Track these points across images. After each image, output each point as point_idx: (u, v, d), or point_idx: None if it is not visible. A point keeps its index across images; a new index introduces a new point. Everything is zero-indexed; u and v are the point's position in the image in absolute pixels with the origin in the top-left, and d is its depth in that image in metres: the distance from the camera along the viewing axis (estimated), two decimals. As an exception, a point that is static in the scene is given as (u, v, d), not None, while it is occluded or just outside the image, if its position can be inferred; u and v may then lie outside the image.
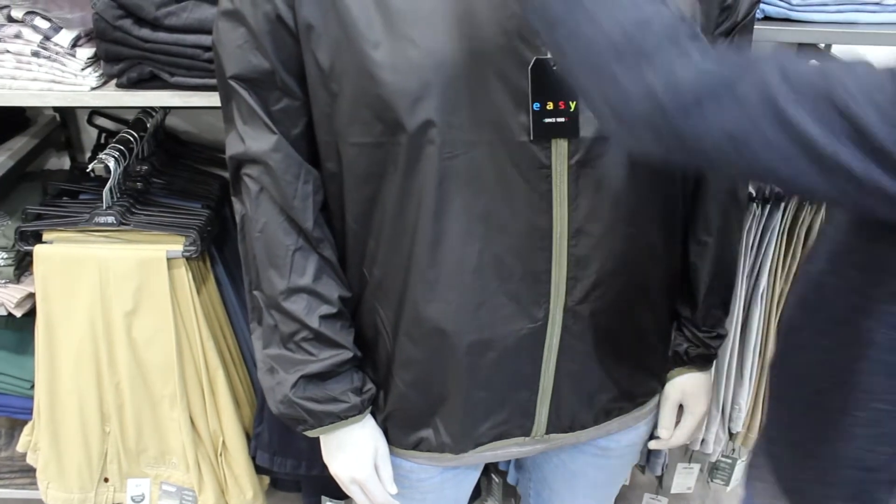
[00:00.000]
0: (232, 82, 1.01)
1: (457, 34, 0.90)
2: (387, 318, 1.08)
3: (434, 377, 1.08)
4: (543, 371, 1.08)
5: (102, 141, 1.97)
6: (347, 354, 1.08)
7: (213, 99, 1.52)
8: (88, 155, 1.99)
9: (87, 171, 1.71)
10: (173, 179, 1.84)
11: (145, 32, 1.47)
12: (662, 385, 1.27)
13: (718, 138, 0.69)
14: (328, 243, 1.07)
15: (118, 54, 1.50)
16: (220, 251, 1.78)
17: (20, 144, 1.89)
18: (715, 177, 1.16)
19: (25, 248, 1.66)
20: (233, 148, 1.05)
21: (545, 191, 0.97)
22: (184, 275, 1.62)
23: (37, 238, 1.69)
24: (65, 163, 2.11)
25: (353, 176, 1.00)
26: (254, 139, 1.02)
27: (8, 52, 1.55)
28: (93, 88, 1.55)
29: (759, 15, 1.53)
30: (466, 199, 0.96)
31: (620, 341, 1.13)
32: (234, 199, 1.09)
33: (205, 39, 1.47)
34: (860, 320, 0.81)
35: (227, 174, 1.90)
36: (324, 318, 1.05)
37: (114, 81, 1.55)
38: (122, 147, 1.70)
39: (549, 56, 0.92)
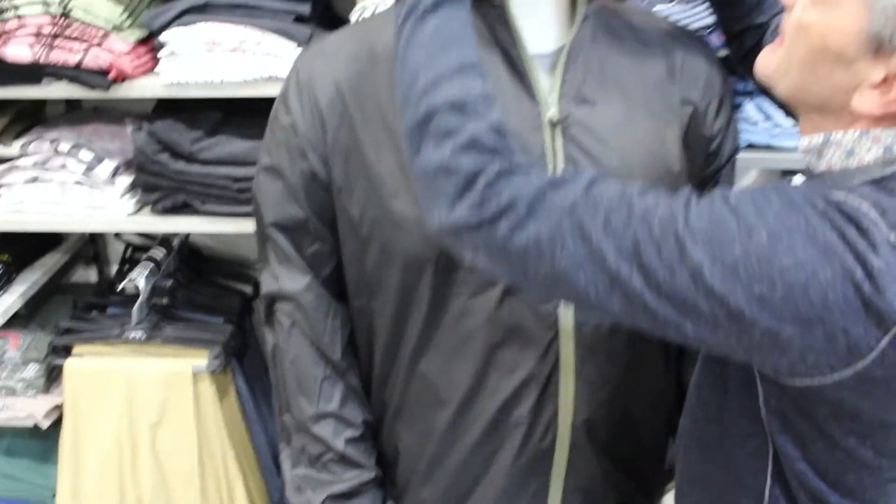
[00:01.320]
0: (269, 229, 1.12)
1: None
2: (406, 440, 1.16)
3: (451, 492, 1.15)
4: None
5: (129, 254, 2.08)
6: (370, 475, 1.16)
7: (240, 225, 1.65)
8: (115, 268, 2.10)
9: (119, 289, 1.81)
10: (197, 294, 1.95)
11: (181, 165, 1.60)
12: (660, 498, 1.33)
13: (524, 245, 0.78)
14: (354, 371, 1.16)
15: (155, 185, 1.63)
16: (240, 364, 1.87)
17: (53, 261, 2.00)
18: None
19: (57, 361, 1.75)
20: (267, 285, 1.15)
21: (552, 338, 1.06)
22: (208, 388, 1.71)
23: (67, 351, 1.78)
24: (91, 275, 2.22)
25: (381, 315, 1.10)
26: (288, 279, 1.12)
27: (53, 181, 1.68)
28: (130, 214, 1.68)
29: (742, 143, 1.65)
30: (484, 337, 1.05)
31: (619, 457, 1.19)
32: (265, 329, 1.19)
33: (234, 171, 1.60)
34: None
35: (247, 288, 2.03)
36: (349, 441, 1.14)
37: (149, 207, 1.67)
38: (150, 265, 1.81)
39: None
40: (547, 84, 1.03)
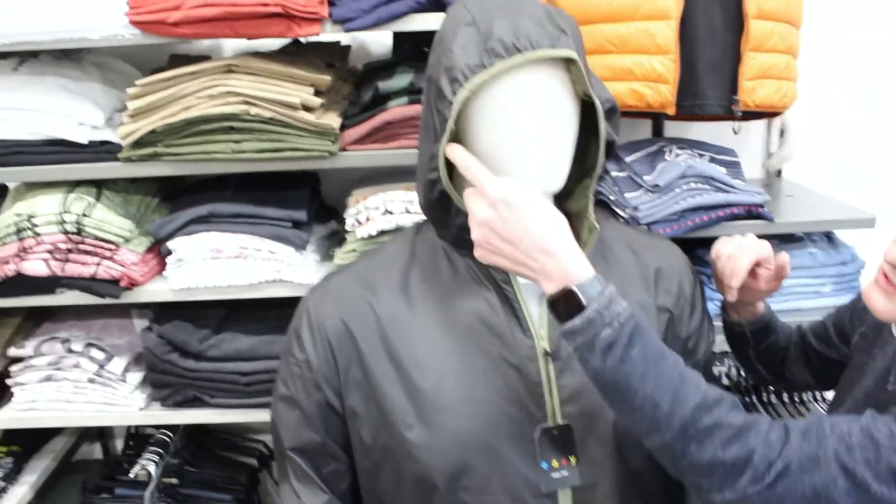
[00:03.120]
0: (288, 452, 1.21)
1: (479, 417, 1.12)
2: None
3: None
4: None
5: (135, 430, 2.15)
6: None
7: (249, 416, 1.73)
8: (121, 445, 2.16)
9: (131, 477, 1.87)
10: (203, 471, 2.01)
11: (190, 363, 1.69)
12: None
13: (805, 494, 0.94)
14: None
15: (166, 382, 1.72)
16: (249, 540, 1.92)
17: (60, 445, 2.06)
18: None
19: (71, 551, 1.79)
20: (288, 500, 1.23)
21: None
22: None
23: (78, 540, 1.83)
24: (96, 450, 2.27)
25: None
26: (307, 496, 1.21)
27: (66, 379, 1.76)
28: (141, 409, 1.76)
29: (714, 311, 1.77)
30: None
31: None
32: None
33: (242, 366, 1.70)
34: None
35: (252, 461, 2.09)
36: None
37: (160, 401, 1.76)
38: (160, 450, 1.88)
39: (551, 425, 1.13)
40: (537, 315, 1.14)
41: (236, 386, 1.70)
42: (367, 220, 1.64)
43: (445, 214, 1.12)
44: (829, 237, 1.88)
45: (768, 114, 1.77)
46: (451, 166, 1.11)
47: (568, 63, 1.06)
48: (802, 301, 1.83)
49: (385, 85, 1.60)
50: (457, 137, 1.08)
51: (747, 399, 2.01)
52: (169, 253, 1.67)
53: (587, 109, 1.12)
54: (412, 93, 1.60)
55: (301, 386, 1.19)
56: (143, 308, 1.87)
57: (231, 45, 2.01)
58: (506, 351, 1.12)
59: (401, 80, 1.60)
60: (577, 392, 1.13)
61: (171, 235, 1.66)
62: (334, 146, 1.59)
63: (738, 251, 1.29)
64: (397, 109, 1.59)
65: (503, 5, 1.06)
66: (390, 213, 1.64)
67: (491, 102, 1.05)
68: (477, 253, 1.03)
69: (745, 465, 0.95)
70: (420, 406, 1.12)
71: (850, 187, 2.02)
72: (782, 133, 2.06)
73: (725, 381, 1.99)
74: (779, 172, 2.13)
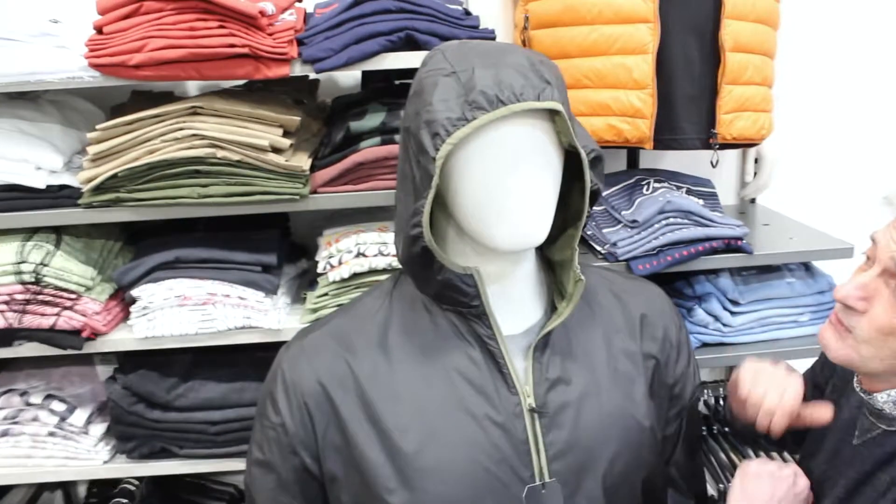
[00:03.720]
0: (265, 521, 1.15)
1: (464, 480, 1.07)
2: None
3: None
4: None
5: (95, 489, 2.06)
6: None
7: (219, 465, 1.67)
8: (83, 493, 2.08)
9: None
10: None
11: (157, 414, 1.62)
12: None
13: None
14: None
15: (132, 434, 1.65)
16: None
17: (18, 497, 1.98)
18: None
19: None
20: None
21: None
22: None
23: None
24: (57, 498, 2.18)
25: None
26: None
27: (24, 433, 1.68)
28: (105, 462, 1.68)
29: (696, 343, 1.76)
30: None
31: None
32: None
33: (211, 415, 1.63)
34: None
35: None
36: None
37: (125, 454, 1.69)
38: (124, 500, 1.81)
39: (538, 483, 1.09)
40: (522, 370, 1.10)
41: (206, 436, 1.64)
42: (340, 263, 1.59)
43: (426, 270, 1.08)
44: (806, 266, 1.87)
45: (745, 144, 1.76)
46: (432, 221, 1.06)
47: (552, 113, 1.03)
48: (781, 331, 1.82)
49: (357, 125, 1.55)
50: (438, 190, 1.04)
51: (725, 429, 1.98)
52: (133, 300, 1.60)
53: (570, 157, 1.09)
54: (384, 132, 1.55)
55: (277, 450, 1.13)
56: (108, 354, 1.79)
57: (195, 84, 1.95)
58: (490, 409, 1.08)
59: (372, 119, 1.56)
60: (564, 448, 1.09)
61: (135, 282, 1.59)
62: (305, 189, 1.54)
63: (772, 403, 1.12)
64: (369, 150, 1.54)
65: (484, 54, 1.02)
66: (364, 255, 1.59)
67: (475, 155, 1.01)
68: None
69: None
70: (402, 469, 1.07)
71: (823, 212, 2.03)
72: (756, 161, 2.05)
73: (703, 408, 1.97)
74: (753, 199, 2.13)
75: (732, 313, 1.77)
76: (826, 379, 1.29)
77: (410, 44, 1.47)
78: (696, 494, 1.36)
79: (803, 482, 1.11)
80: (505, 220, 1.03)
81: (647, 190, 1.73)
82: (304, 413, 1.11)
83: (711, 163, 1.69)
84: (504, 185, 1.01)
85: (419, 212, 1.02)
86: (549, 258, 1.20)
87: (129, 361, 1.70)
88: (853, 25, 2.13)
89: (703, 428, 1.89)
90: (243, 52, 1.39)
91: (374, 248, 1.59)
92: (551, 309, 1.17)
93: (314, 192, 1.57)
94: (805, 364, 1.87)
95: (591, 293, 1.21)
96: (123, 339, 1.61)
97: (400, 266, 1.15)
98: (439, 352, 1.11)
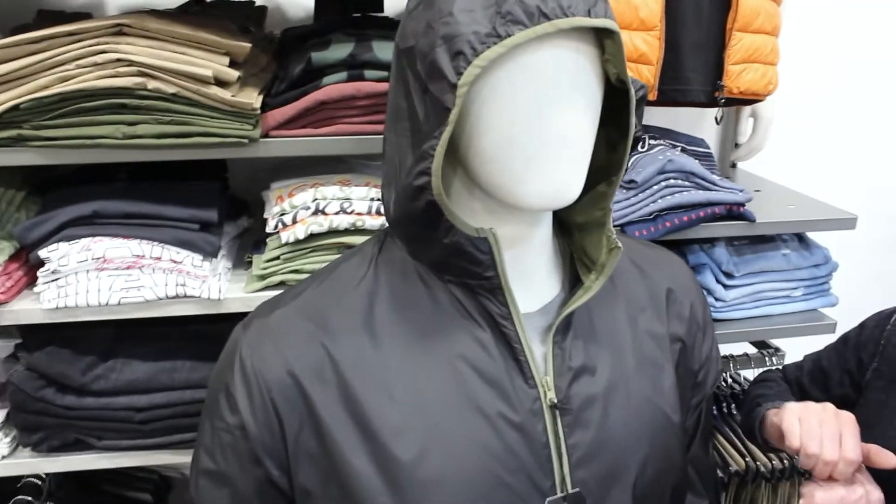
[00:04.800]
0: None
1: (473, 493, 0.86)
2: None
3: None
4: None
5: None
6: None
7: (145, 459, 1.43)
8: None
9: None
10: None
11: (70, 400, 1.35)
12: None
13: None
14: None
15: (38, 424, 1.37)
16: None
17: None
18: None
19: None
20: None
21: None
22: None
23: None
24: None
25: None
26: None
27: None
28: (4, 457, 1.40)
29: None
30: None
31: None
32: None
33: (137, 400, 1.37)
34: None
35: (144, 496, 1.76)
36: None
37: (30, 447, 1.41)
38: (27, 497, 1.54)
39: (560, 495, 0.89)
40: (541, 356, 0.90)
41: (130, 424, 1.38)
42: (295, 221, 1.34)
43: (429, 231, 0.85)
44: (799, 237, 1.72)
45: (745, 101, 1.59)
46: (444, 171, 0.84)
47: (599, 38, 0.81)
48: (772, 307, 1.68)
49: (319, 56, 1.29)
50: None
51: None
52: (41, 263, 1.32)
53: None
54: (353, 66, 1.30)
55: (233, 458, 0.90)
56: (4, 328, 1.49)
57: (116, 4, 1.64)
58: (504, 406, 0.87)
59: (339, 50, 1.30)
60: (590, 452, 0.89)
61: (43, 241, 1.31)
62: (255, 131, 1.28)
63: (832, 456, 1.00)
64: (334, 87, 1.29)
65: None
66: (323, 213, 1.35)
67: (503, 84, 0.78)
68: None
69: None
70: (396, 482, 0.86)
71: (799, 178, 1.91)
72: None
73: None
74: (733, 164, 1.97)
75: (725, 287, 1.61)
76: (862, 363, 1.14)
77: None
78: (711, 492, 1.19)
79: (876, 496, 0.95)
80: (536, 169, 0.80)
81: (643, 147, 1.53)
82: (270, 412, 0.87)
83: (716, 119, 1.51)
84: (538, 125, 0.79)
85: (428, 155, 0.79)
86: (567, 220, 0.99)
87: (33, 336, 1.41)
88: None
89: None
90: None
91: (336, 204, 1.35)
92: (569, 283, 0.97)
93: (265, 135, 1.31)
94: (796, 343, 1.76)
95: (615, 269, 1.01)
96: (27, 309, 1.32)
97: (386, 225, 0.92)
98: (440, 334, 0.89)
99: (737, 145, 1.86)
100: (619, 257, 0.91)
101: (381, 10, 1.61)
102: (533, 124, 0.79)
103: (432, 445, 0.86)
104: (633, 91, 0.83)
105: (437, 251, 0.86)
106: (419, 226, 0.85)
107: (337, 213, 1.35)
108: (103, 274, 1.31)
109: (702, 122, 1.89)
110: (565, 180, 0.83)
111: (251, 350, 0.90)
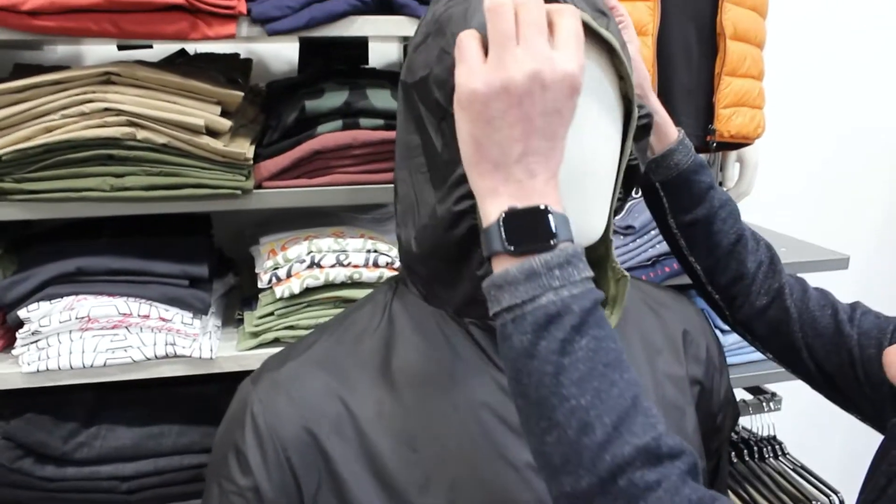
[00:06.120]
0: None
1: None
2: None
3: None
4: None
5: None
6: None
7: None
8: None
9: None
10: None
11: (50, 471, 1.27)
12: None
13: None
14: None
15: (15, 498, 1.27)
16: None
17: None
18: None
19: None
20: None
21: None
22: None
23: None
24: None
25: None
26: None
27: None
28: (-25, 534, 1.30)
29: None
30: None
31: None
32: None
33: (123, 469, 1.29)
34: None
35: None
36: None
37: (3, 522, 1.31)
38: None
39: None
40: None
41: (116, 495, 1.29)
42: (289, 275, 1.29)
43: (459, 265, 0.80)
44: (792, 280, 1.72)
45: (733, 146, 1.59)
46: None
47: (615, 65, 0.80)
48: (751, 354, 1.66)
49: (313, 105, 1.26)
50: None
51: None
52: (19, 324, 1.24)
53: None
54: (347, 115, 1.27)
55: (246, 524, 0.83)
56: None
57: (97, 55, 1.61)
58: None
59: (333, 99, 1.28)
60: None
61: (22, 300, 1.24)
62: (248, 182, 1.24)
63: None
64: (329, 136, 1.26)
65: None
66: (318, 266, 1.30)
67: None
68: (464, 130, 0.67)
69: None
70: None
71: (781, 222, 1.92)
72: (722, 168, 1.90)
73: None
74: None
75: (723, 332, 1.59)
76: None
77: (384, 7, 1.21)
78: None
79: None
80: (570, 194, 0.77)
81: (637, 192, 1.52)
82: (286, 471, 0.81)
83: (709, 163, 1.51)
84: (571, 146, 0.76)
85: (463, 180, 0.75)
86: None
87: (8, 404, 1.33)
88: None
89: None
90: (176, 3, 1.09)
91: (332, 256, 1.30)
92: None
93: (258, 186, 1.27)
94: (794, 388, 1.74)
95: (629, 311, 0.98)
96: (5, 373, 1.24)
97: (385, 277, 0.88)
98: (460, 382, 0.84)
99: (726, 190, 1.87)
100: (629, 287, 0.87)
101: (367, 63, 1.60)
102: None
103: (460, 499, 0.81)
104: (635, 112, 0.81)
105: (466, 287, 0.82)
106: (449, 260, 0.81)
107: (333, 266, 1.30)
108: (87, 334, 1.24)
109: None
110: (590, 216, 0.80)
111: (263, 406, 0.84)
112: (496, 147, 0.64)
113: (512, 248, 0.63)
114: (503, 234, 0.64)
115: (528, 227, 0.63)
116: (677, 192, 1.03)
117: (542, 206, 0.63)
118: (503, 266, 0.64)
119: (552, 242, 0.63)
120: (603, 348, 0.63)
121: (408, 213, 0.84)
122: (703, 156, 1.77)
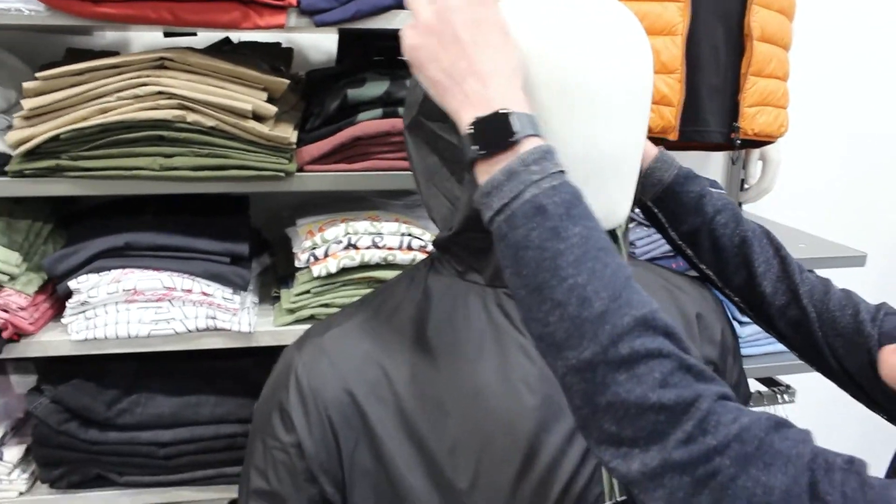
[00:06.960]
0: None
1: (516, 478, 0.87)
2: None
3: None
4: None
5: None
6: None
7: (168, 496, 1.40)
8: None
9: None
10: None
11: (93, 434, 1.33)
12: None
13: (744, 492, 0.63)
14: None
15: (60, 459, 1.35)
16: None
17: None
18: None
19: None
20: None
21: None
22: None
23: None
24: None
25: None
26: None
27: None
28: (21, 494, 1.37)
29: (702, 357, 1.62)
30: None
31: None
32: None
33: (161, 435, 1.36)
34: None
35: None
36: None
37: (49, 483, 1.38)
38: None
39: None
40: None
41: (153, 460, 1.36)
42: (327, 255, 1.35)
43: (490, 233, 0.86)
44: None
45: (757, 143, 1.63)
46: None
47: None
48: (767, 346, 1.69)
49: (355, 93, 1.32)
50: None
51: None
52: (68, 294, 1.31)
53: None
54: (388, 104, 1.33)
55: (288, 477, 0.89)
56: (24, 362, 1.47)
57: (143, 41, 1.67)
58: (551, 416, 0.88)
59: (374, 88, 1.33)
60: None
61: (72, 272, 1.31)
62: (290, 165, 1.30)
63: None
64: (370, 123, 1.32)
65: None
66: (355, 247, 1.36)
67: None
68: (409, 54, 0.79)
69: (684, 412, 0.64)
70: (451, 497, 0.86)
71: (801, 219, 1.96)
72: (745, 165, 1.95)
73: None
74: (740, 204, 2.02)
75: (741, 323, 1.64)
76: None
77: (426, 1, 1.26)
78: None
79: None
80: (591, 188, 0.82)
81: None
82: (327, 429, 0.87)
83: (732, 160, 1.55)
84: (595, 142, 0.82)
85: None
86: None
87: (54, 370, 1.40)
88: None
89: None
90: (231, -6, 1.15)
91: (367, 238, 1.36)
92: None
93: (300, 169, 1.33)
94: (809, 380, 1.78)
95: (642, 285, 1.03)
96: (55, 341, 1.31)
97: (418, 259, 0.93)
98: (494, 350, 0.90)
99: (743, 188, 1.90)
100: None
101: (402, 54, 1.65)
102: (589, 139, 0.81)
103: (487, 462, 0.86)
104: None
105: (496, 255, 0.87)
106: (480, 230, 0.86)
107: (368, 248, 1.36)
108: (133, 306, 1.30)
109: (706, 168, 1.94)
110: (617, 199, 0.86)
111: (307, 369, 0.90)
112: (445, 74, 0.74)
113: (483, 152, 0.71)
114: (473, 141, 0.72)
115: (493, 131, 0.71)
116: (668, 206, 1.06)
117: (502, 110, 0.71)
118: (486, 175, 0.71)
119: (514, 139, 0.70)
120: (594, 236, 0.69)
121: (446, 221, 0.89)
122: (724, 153, 1.83)
